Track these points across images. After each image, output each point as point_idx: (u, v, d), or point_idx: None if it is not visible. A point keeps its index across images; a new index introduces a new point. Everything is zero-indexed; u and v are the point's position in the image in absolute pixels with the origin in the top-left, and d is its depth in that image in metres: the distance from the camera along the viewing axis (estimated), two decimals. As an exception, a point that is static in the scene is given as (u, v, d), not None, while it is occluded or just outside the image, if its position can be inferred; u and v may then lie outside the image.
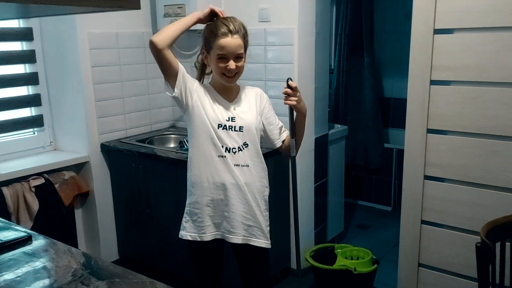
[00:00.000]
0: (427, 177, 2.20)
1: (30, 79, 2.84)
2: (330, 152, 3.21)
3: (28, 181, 2.60)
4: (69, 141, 2.94)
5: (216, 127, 1.85)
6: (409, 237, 2.31)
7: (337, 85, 4.26)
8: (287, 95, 1.88)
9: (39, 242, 1.50)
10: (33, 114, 2.89)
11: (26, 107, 2.85)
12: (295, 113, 1.94)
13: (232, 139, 1.86)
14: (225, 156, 1.86)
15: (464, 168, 2.09)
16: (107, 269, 1.31)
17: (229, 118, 1.87)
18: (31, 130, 2.90)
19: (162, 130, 3.26)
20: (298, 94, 1.89)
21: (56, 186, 2.69)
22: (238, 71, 1.84)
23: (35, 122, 2.90)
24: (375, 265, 2.59)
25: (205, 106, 1.86)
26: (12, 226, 1.62)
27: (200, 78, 1.98)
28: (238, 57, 1.83)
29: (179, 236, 1.97)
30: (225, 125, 1.86)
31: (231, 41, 1.79)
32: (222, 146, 1.85)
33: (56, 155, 2.88)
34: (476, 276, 1.58)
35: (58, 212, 2.73)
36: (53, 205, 2.69)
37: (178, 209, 2.67)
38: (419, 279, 2.33)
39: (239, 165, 1.88)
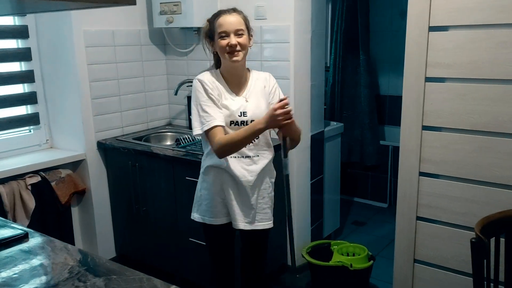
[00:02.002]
0: (422, 174, 2.22)
1: (26, 77, 2.83)
2: (326, 149, 3.22)
3: (24, 179, 2.60)
4: (65, 139, 2.94)
5: (229, 124, 1.90)
6: (405, 233, 2.32)
7: (333, 82, 4.27)
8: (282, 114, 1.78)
9: (35, 239, 1.50)
10: (29, 112, 2.89)
11: (22, 105, 2.85)
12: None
13: None
14: (236, 157, 1.92)
15: (458, 164, 2.11)
16: (104, 266, 1.31)
17: (241, 113, 1.91)
18: (27, 128, 2.89)
19: (158, 128, 3.26)
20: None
21: (53, 184, 2.68)
22: (241, 48, 1.86)
23: (31, 120, 2.89)
24: (371, 261, 2.60)
25: (222, 107, 1.91)
26: (9, 223, 1.62)
27: (217, 66, 2.01)
28: (239, 34, 1.85)
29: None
30: (237, 121, 1.90)
31: (229, 17, 1.86)
32: None
33: (52, 153, 2.87)
34: (471, 272, 1.59)
35: (55, 210, 2.73)
36: (49, 203, 2.69)
37: (175, 207, 2.68)
38: (415, 274, 2.34)
39: (250, 157, 1.94)
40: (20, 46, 2.80)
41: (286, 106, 1.78)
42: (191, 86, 3.10)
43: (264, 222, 2.04)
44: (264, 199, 2.03)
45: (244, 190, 1.96)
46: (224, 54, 1.87)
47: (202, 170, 2.03)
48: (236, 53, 1.85)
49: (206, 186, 2.01)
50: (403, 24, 2.19)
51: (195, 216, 2.06)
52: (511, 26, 1.88)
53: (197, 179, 2.50)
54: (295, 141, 2.00)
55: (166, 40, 3.23)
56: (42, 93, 2.92)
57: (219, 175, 1.96)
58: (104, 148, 2.92)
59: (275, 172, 2.10)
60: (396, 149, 3.19)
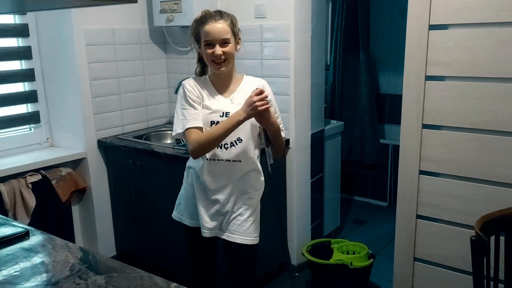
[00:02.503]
0: (422, 172, 2.22)
1: (26, 75, 2.83)
2: (326, 148, 3.23)
3: (25, 177, 2.60)
4: (65, 138, 2.94)
5: (209, 124, 1.86)
6: (405, 232, 2.32)
7: (333, 81, 4.27)
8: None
9: (36, 237, 1.51)
10: (30, 110, 2.89)
11: (22, 104, 2.85)
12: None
13: None
14: (214, 159, 1.88)
15: (458, 163, 2.11)
16: (104, 264, 1.32)
17: (223, 113, 1.87)
18: (27, 126, 2.89)
19: (159, 126, 3.26)
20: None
21: (53, 182, 2.69)
22: (226, 57, 1.83)
23: (32, 118, 2.89)
24: (371, 260, 2.61)
25: (203, 108, 1.88)
26: (10, 222, 1.63)
27: (201, 72, 1.99)
28: (224, 43, 1.82)
29: None
30: (217, 122, 1.85)
31: (215, 26, 1.80)
32: None
33: (53, 152, 2.87)
34: (471, 270, 1.60)
35: (55, 208, 2.74)
36: (50, 202, 2.70)
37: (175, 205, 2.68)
38: (415, 273, 2.35)
39: (230, 161, 1.89)
40: (20, 45, 2.80)
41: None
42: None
43: (237, 235, 1.91)
44: (240, 210, 1.92)
45: (213, 194, 1.90)
46: (210, 62, 1.85)
47: (185, 170, 2.04)
48: (221, 63, 1.84)
49: (185, 186, 2.02)
50: (403, 22, 2.19)
51: (174, 214, 2.07)
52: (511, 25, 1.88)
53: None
54: (277, 151, 1.95)
55: (166, 38, 3.23)
56: (43, 92, 2.92)
57: (195, 176, 1.94)
58: (105, 146, 2.92)
59: (261, 186, 1.99)
60: (396, 148, 3.20)
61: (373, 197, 4.24)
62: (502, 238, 1.72)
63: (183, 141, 2.73)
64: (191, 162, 1.98)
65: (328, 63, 4.28)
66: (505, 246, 1.72)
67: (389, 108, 4.56)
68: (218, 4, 2.92)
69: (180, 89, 1.91)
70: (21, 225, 1.59)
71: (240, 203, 1.93)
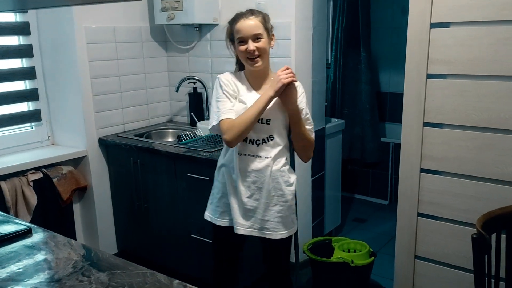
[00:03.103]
0: (423, 170, 2.22)
1: (27, 73, 2.84)
2: (327, 146, 3.23)
3: (26, 175, 2.60)
4: (66, 136, 2.95)
5: None
6: (406, 230, 2.33)
7: (334, 79, 4.27)
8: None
9: (39, 235, 1.51)
10: (31, 108, 2.89)
11: (24, 102, 2.85)
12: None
13: (258, 131, 1.88)
14: (245, 154, 1.90)
15: (459, 161, 2.11)
16: (107, 261, 1.32)
17: None
18: (28, 124, 2.89)
19: (160, 125, 3.26)
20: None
21: (54, 180, 2.69)
22: (260, 53, 1.84)
23: (33, 116, 2.89)
24: (372, 258, 2.61)
25: (239, 101, 1.90)
26: (12, 219, 1.63)
27: (240, 68, 2.02)
28: (257, 38, 1.84)
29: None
30: None
31: (246, 22, 1.84)
32: (245, 139, 1.88)
33: (54, 150, 2.88)
34: (472, 268, 1.60)
35: (57, 206, 2.74)
36: (51, 200, 2.70)
37: (176, 203, 2.69)
38: (416, 271, 2.35)
39: (261, 157, 1.89)
40: (21, 43, 2.80)
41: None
42: (192, 83, 3.11)
43: (274, 232, 1.93)
44: (276, 206, 1.93)
45: (245, 192, 1.91)
46: (245, 60, 1.88)
47: (216, 169, 2.04)
48: (255, 59, 1.85)
49: (216, 185, 2.02)
50: (404, 21, 2.19)
51: (205, 214, 2.07)
52: (513, 23, 1.89)
53: (199, 175, 2.52)
54: (298, 148, 1.96)
55: (167, 36, 3.23)
56: (44, 90, 2.92)
57: (227, 174, 1.95)
58: (106, 144, 2.92)
59: (293, 182, 1.98)
60: (397, 146, 3.20)
61: (373, 195, 4.25)
62: (503, 236, 1.72)
63: (184, 139, 2.73)
64: (222, 159, 1.98)
65: (329, 61, 4.28)
66: (506, 244, 1.72)
67: (389, 107, 4.56)
68: (219, 2, 2.92)
69: (216, 83, 1.93)
70: (23, 222, 1.60)
71: (273, 199, 1.93)
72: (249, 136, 1.88)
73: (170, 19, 2.89)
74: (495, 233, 1.69)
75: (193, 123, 3.10)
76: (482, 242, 1.54)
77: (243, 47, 1.84)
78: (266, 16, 1.90)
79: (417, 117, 2.18)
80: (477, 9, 1.95)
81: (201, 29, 3.07)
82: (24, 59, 2.82)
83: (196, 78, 3.10)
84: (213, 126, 1.89)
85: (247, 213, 1.93)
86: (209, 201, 2.06)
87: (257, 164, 1.89)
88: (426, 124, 2.17)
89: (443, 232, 2.22)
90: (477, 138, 2.05)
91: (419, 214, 2.28)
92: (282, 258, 2.07)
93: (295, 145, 1.97)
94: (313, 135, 1.99)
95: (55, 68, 2.86)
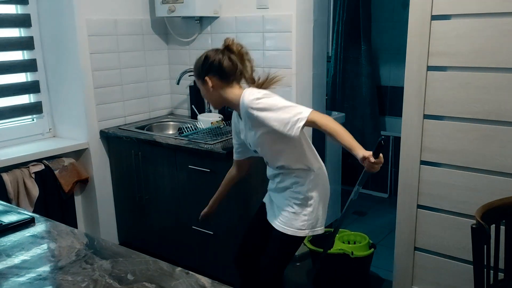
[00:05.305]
0: (423, 162, 2.23)
1: (29, 65, 2.84)
2: (327, 140, 3.24)
3: (28, 167, 2.61)
4: (68, 128, 2.95)
5: None
6: (406, 221, 2.34)
7: (334, 72, 4.27)
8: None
9: (42, 224, 1.52)
10: (32, 101, 2.90)
11: (25, 94, 2.85)
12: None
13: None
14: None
15: (459, 153, 2.12)
16: (110, 249, 1.33)
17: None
18: (30, 116, 2.90)
19: (161, 117, 3.27)
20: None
21: (56, 172, 2.70)
22: (207, 99, 2.01)
23: (34, 108, 2.90)
24: (372, 249, 2.62)
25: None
26: (15, 209, 1.64)
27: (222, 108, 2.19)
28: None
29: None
30: None
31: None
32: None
33: (55, 142, 2.89)
34: (471, 259, 1.61)
35: (58, 198, 2.75)
36: (53, 192, 2.71)
37: (177, 195, 2.70)
38: (415, 262, 2.37)
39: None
40: (22, 35, 2.80)
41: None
42: (193, 75, 3.10)
43: (278, 223, 1.97)
44: (288, 201, 1.98)
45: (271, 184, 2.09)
46: None
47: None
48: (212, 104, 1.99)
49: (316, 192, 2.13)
50: (405, 14, 2.20)
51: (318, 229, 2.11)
52: (514, 15, 1.89)
53: (199, 167, 2.53)
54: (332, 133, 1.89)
55: (168, 29, 3.23)
56: (45, 82, 2.92)
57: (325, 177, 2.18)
58: (107, 137, 2.93)
59: (303, 189, 1.99)
60: (397, 140, 3.20)
61: (373, 189, 4.26)
62: (502, 227, 1.74)
63: (185, 131, 2.74)
64: (317, 163, 2.13)
65: (330, 55, 4.28)
66: (506, 235, 1.74)
67: (390, 100, 4.57)
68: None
69: (263, 99, 1.79)
70: (26, 212, 1.61)
71: (288, 196, 2.01)
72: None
73: (171, 12, 2.89)
74: (494, 224, 1.71)
75: (194, 116, 3.10)
76: (481, 232, 1.55)
77: None
78: (197, 65, 1.91)
79: (417, 110, 2.19)
80: (478, 1, 1.95)
81: (202, 21, 3.07)
82: (25, 51, 2.83)
83: (197, 71, 3.10)
84: (302, 115, 1.79)
85: (269, 203, 2.12)
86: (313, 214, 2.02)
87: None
88: (426, 117, 2.18)
89: (443, 223, 2.23)
90: (477, 130, 2.06)
91: (419, 206, 2.29)
92: (269, 250, 2.03)
93: None
94: (331, 123, 1.87)
95: (56, 61, 2.86)
